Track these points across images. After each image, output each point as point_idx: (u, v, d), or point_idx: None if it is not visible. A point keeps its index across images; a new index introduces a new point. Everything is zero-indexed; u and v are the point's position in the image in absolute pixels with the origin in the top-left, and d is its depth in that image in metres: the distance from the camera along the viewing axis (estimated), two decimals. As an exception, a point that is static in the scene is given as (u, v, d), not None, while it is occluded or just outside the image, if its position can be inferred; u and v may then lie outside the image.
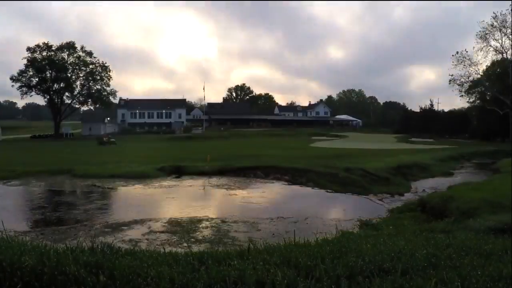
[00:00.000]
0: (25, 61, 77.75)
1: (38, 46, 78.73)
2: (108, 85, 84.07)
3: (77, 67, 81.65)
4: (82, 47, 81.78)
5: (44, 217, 13.34)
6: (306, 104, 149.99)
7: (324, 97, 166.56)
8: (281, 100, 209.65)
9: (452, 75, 68.81)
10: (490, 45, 63.10)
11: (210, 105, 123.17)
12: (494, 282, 3.99)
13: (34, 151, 38.78)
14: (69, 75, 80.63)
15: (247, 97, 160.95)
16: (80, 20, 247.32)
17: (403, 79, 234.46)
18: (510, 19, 59.63)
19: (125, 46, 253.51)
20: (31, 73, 78.44)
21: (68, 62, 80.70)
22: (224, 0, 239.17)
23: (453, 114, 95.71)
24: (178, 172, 23.28)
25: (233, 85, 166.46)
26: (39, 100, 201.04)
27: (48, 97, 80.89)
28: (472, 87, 70.49)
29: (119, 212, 14.20)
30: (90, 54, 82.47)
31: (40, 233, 10.68)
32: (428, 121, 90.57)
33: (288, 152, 35.90)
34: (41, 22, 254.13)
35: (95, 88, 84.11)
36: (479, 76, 67.62)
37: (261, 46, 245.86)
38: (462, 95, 71.83)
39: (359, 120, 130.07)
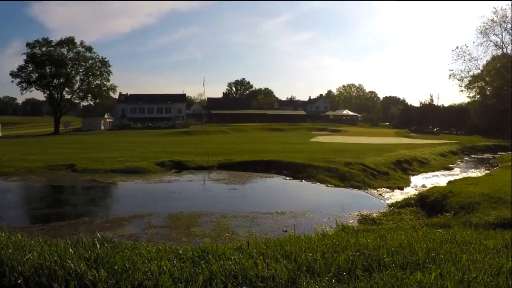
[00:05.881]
0: (24, 57, 77.74)
1: (37, 41, 78.59)
2: (108, 80, 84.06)
3: (76, 62, 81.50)
4: (81, 42, 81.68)
5: (44, 212, 13.35)
6: (306, 98, 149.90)
7: (324, 92, 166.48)
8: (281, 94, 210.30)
9: (452, 70, 68.84)
10: (490, 40, 63.13)
11: (210, 99, 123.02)
12: (494, 277, 4.00)
13: (34, 147, 38.77)
14: (68, 70, 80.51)
15: (247, 91, 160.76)
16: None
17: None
18: (511, 14, 59.55)
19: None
20: (30, 68, 78.31)
21: (68, 58, 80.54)
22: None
23: (453, 109, 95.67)
24: (178, 166, 23.27)
25: (233, 80, 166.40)
26: (39, 95, 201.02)
27: (47, 92, 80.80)
28: (472, 82, 70.45)
29: (119, 207, 14.23)
30: (89, 49, 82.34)
31: (40, 229, 10.69)
32: (428, 116, 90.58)
33: (288, 147, 35.91)
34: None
35: (94, 83, 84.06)
36: (479, 71, 67.59)
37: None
38: (462, 90, 71.87)
39: (359, 115, 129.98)
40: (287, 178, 20.79)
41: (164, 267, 3.99)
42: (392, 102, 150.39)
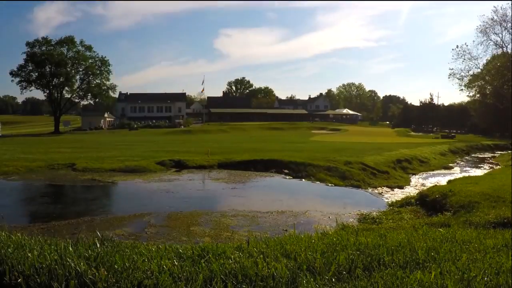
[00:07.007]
0: (24, 56, 77.72)
1: (37, 40, 78.60)
2: (108, 79, 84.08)
3: (76, 61, 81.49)
4: (81, 42, 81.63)
5: (45, 211, 13.34)
6: (306, 97, 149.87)
7: (324, 91, 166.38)
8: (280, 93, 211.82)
9: (452, 69, 68.78)
10: (490, 39, 62.87)
11: (210, 98, 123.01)
12: (494, 276, 4.00)
13: (34, 146, 38.77)
14: (68, 69, 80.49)
15: (247, 90, 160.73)
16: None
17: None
18: (511, 13, 59.39)
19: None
20: (30, 67, 78.28)
21: (67, 57, 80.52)
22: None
23: (453, 108, 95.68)
24: (178, 166, 23.27)
25: (233, 79, 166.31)
26: (39, 94, 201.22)
27: (47, 91, 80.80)
28: (472, 81, 70.28)
29: (120, 206, 14.23)
30: (89, 48, 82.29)
31: (40, 228, 10.70)
32: (428, 115, 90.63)
33: (288, 146, 35.92)
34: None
35: (94, 82, 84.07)
36: (479, 70, 67.40)
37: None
38: (461, 89, 71.64)
39: (359, 114, 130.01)
40: (287, 177, 20.79)
41: (164, 266, 3.99)
42: (392, 101, 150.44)
